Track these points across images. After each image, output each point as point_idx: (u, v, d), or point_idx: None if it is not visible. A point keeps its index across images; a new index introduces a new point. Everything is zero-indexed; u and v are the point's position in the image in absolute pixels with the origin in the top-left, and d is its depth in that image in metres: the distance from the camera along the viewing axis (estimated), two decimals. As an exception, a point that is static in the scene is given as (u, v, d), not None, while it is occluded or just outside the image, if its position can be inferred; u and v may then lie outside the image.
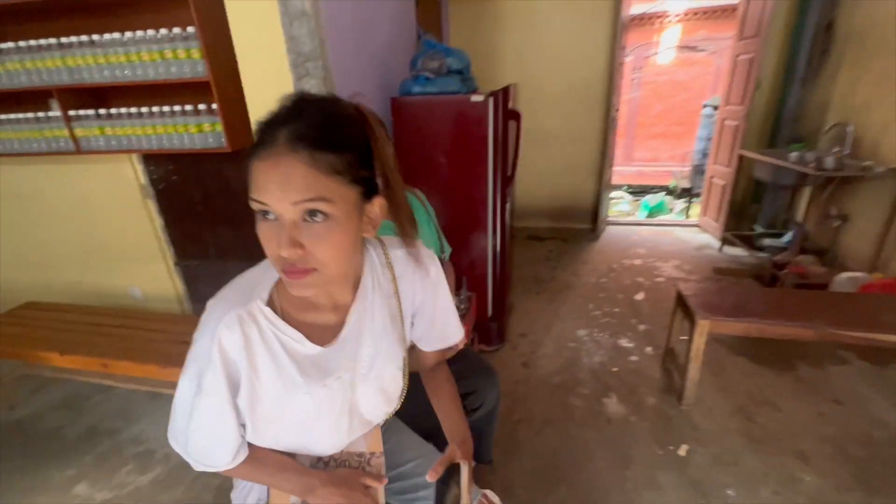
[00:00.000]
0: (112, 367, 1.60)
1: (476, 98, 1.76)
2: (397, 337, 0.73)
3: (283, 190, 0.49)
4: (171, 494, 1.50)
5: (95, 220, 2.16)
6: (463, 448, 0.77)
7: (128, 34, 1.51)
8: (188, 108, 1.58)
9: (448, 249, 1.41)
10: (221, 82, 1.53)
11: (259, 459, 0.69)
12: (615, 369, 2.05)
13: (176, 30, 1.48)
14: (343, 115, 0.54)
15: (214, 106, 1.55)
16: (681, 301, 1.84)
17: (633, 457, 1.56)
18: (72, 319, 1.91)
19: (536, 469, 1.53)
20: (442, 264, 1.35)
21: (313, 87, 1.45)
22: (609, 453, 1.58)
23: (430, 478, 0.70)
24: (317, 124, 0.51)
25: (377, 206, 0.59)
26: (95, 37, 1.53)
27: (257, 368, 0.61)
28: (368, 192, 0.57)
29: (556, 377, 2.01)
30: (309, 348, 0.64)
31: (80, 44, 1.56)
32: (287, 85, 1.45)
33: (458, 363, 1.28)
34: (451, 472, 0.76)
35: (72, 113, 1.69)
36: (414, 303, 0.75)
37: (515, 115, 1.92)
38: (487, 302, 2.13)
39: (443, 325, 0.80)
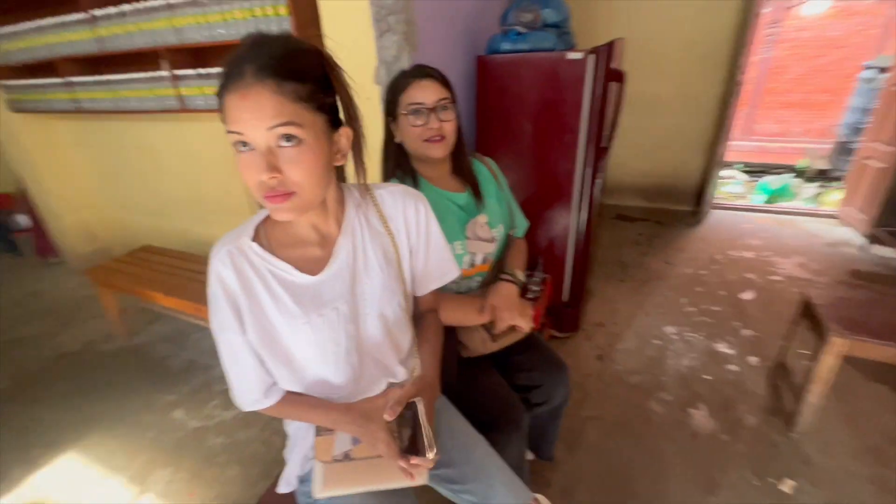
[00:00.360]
0: (202, 312, 1.76)
1: (573, 55, 1.54)
2: (394, 274, 0.76)
3: (256, 118, 0.54)
4: (247, 433, 1.64)
5: (200, 174, 2.36)
6: (420, 384, 0.75)
7: (223, -9, 1.54)
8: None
9: (523, 224, 1.27)
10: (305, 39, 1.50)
11: (295, 401, 0.75)
12: (708, 377, 1.79)
13: (265, -15, 1.46)
14: (301, 49, 0.58)
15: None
16: (808, 310, 1.52)
17: (721, 482, 1.35)
18: (176, 265, 2.13)
19: (602, 473, 1.40)
20: (512, 240, 1.24)
21: (394, 42, 1.36)
22: (691, 472, 1.39)
23: (388, 416, 0.68)
24: (279, 55, 0.55)
25: (343, 135, 0.64)
26: (196, -4, 1.58)
27: (258, 301, 0.67)
28: (335, 123, 0.62)
29: (635, 376, 1.82)
30: (299, 278, 0.68)
31: (185, 3, 1.62)
32: (368, 41, 1.37)
33: (526, 353, 1.18)
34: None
35: (177, 73, 1.80)
36: (409, 241, 0.77)
37: (618, 76, 1.66)
38: (564, 285, 1.97)
39: (438, 262, 0.82)
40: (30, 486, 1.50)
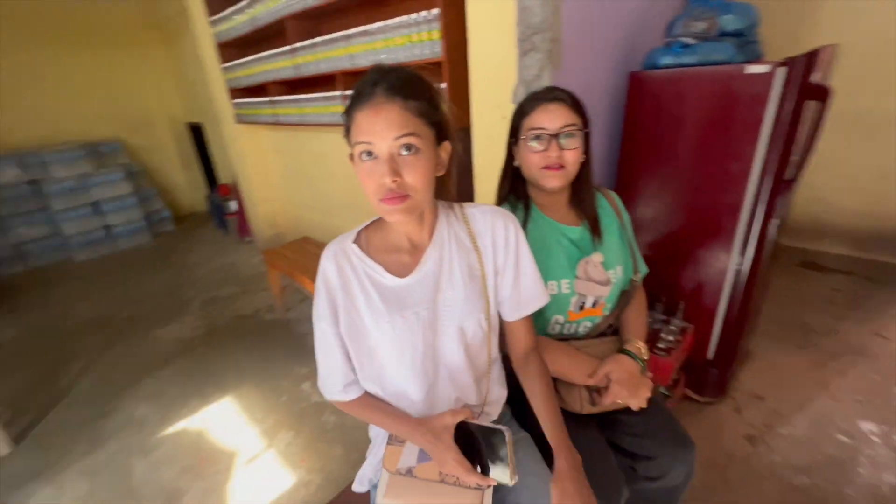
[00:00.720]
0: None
1: (755, 69, 1.27)
2: (477, 290, 0.77)
3: (386, 129, 0.63)
4: (354, 418, 1.78)
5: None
6: (570, 479, 0.72)
7: (390, 21, 1.71)
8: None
9: (643, 271, 1.09)
10: (452, 61, 1.57)
11: (371, 403, 0.80)
12: (926, 509, 1.28)
13: (423, 13, 1.58)
14: (416, 74, 0.68)
15: (444, 86, 1.62)
16: None
17: None
18: (325, 256, 2.46)
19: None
20: (633, 291, 1.06)
21: (536, 61, 1.32)
22: None
23: (455, 417, 0.73)
24: (403, 79, 0.66)
25: (444, 149, 0.72)
26: (368, 27, 1.80)
27: (352, 298, 0.75)
28: (439, 136, 0.70)
29: (801, 477, 1.40)
30: (389, 280, 0.75)
31: (357, 34, 1.86)
32: (510, 61, 1.36)
33: (639, 414, 1.00)
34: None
35: (347, 93, 2.08)
36: (496, 261, 0.79)
37: (820, 93, 1.31)
38: (710, 340, 1.64)
39: (526, 286, 0.80)
40: (200, 416, 1.90)
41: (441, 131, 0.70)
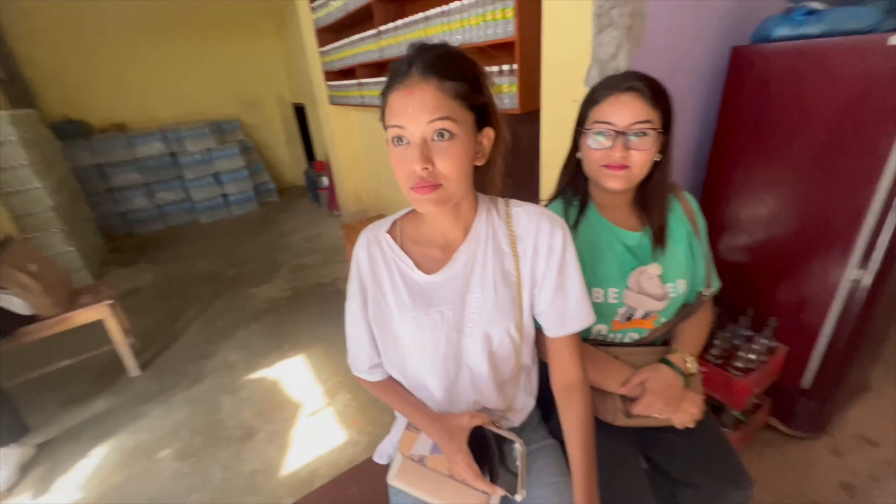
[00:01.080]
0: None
1: (903, 39, 1.01)
2: (510, 297, 0.71)
3: (419, 111, 0.58)
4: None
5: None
6: None
7: (466, 1, 1.68)
8: (493, 69, 1.65)
9: (714, 286, 0.95)
10: (524, 41, 1.50)
11: (393, 388, 0.80)
12: None
13: (499, -11, 1.52)
14: (458, 53, 0.63)
15: (515, 66, 1.55)
16: None
17: None
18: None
19: None
20: (698, 304, 0.94)
21: (613, 39, 1.20)
22: None
23: (471, 421, 0.73)
24: (440, 57, 0.60)
25: (485, 136, 0.66)
26: (445, 7, 1.79)
27: (381, 285, 0.74)
28: (480, 123, 0.65)
29: (910, 545, 1.15)
30: (417, 275, 0.72)
31: (436, 15, 1.86)
32: (585, 39, 1.26)
33: (689, 437, 0.89)
34: None
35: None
36: (535, 269, 0.71)
37: None
38: (807, 364, 1.40)
39: (568, 303, 0.72)
40: (276, 369, 2.15)
41: (483, 116, 0.65)
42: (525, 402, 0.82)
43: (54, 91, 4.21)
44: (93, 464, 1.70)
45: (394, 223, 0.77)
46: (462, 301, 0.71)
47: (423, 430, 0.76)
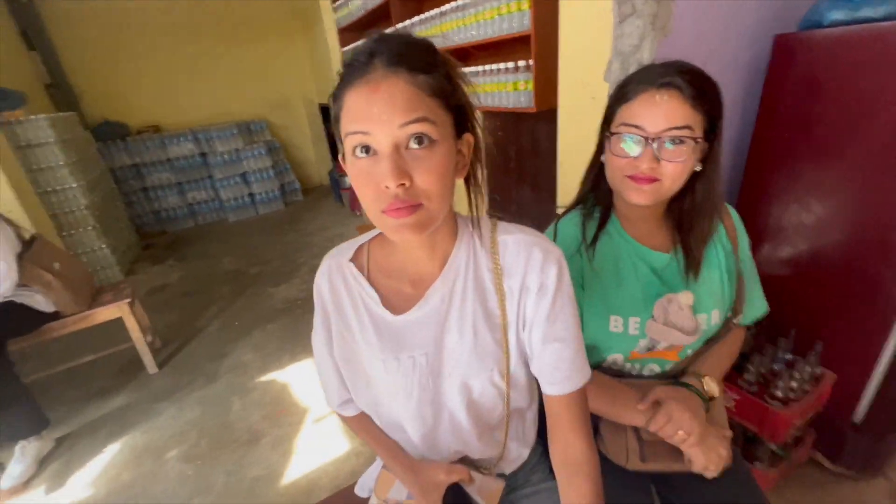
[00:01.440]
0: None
1: None
2: (493, 341, 0.60)
3: (388, 112, 0.46)
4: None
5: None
6: None
7: (481, -7, 1.59)
8: (508, 65, 1.55)
9: (761, 309, 0.82)
10: (541, 35, 1.40)
11: (367, 427, 0.71)
12: None
13: (514, -20, 1.42)
14: (424, 41, 0.52)
15: (531, 62, 1.45)
16: None
17: None
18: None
19: None
20: (729, 328, 0.81)
21: (636, 28, 1.08)
22: None
23: (449, 477, 0.65)
24: (409, 45, 0.49)
25: (466, 143, 0.55)
26: (461, 1, 1.70)
27: (346, 320, 0.64)
28: (459, 126, 0.53)
29: None
30: (383, 312, 0.61)
31: (452, 10, 1.78)
32: (605, 30, 1.15)
33: (717, 484, 0.76)
34: None
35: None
36: (523, 309, 0.59)
37: None
38: (861, 396, 1.23)
39: (559, 357, 0.58)
40: (286, 372, 2.13)
41: (461, 119, 0.54)
42: (518, 453, 0.71)
43: (95, 94, 4.41)
44: (105, 460, 1.73)
45: (359, 249, 0.65)
46: (437, 344, 0.60)
47: (398, 477, 0.69)
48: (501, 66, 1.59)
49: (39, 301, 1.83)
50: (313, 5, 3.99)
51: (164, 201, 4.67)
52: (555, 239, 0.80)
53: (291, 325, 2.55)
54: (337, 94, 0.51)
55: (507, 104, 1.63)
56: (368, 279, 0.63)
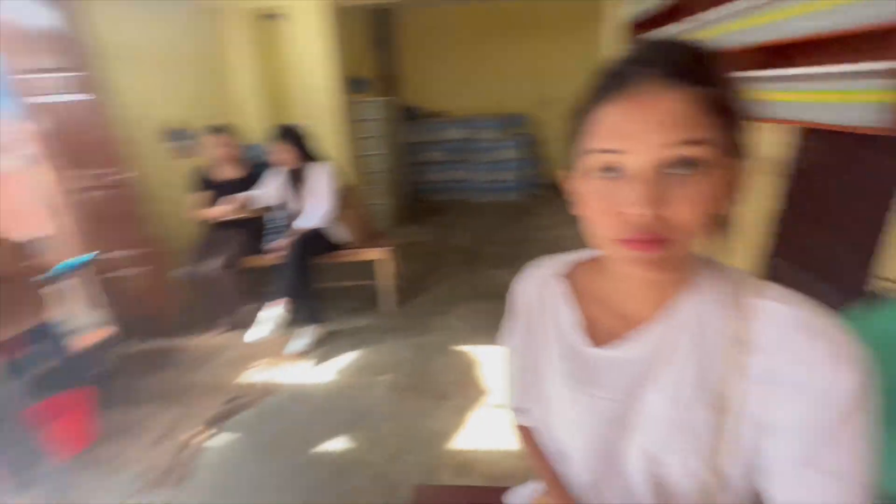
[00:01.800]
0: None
1: None
2: (708, 423, 0.45)
3: (652, 130, 0.40)
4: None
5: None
6: None
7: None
8: (847, 68, 1.11)
9: None
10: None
11: (533, 445, 0.67)
12: None
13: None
14: (705, 47, 0.43)
15: (883, 66, 1.00)
16: None
17: None
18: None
19: None
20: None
21: None
22: None
23: None
24: (695, 55, 0.42)
25: (739, 170, 0.44)
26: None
27: (538, 334, 0.61)
28: (732, 152, 0.43)
29: None
30: (580, 337, 0.55)
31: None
32: None
33: None
34: None
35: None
36: (767, 406, 0.43)
37: None
38: None
39: (823, 494, 0.40)
40: (483, 350, 2.29)
41: (736, 145, 0.44)
42: None
43: (409, 83, 5.67)
44: (346, 361, 2.30)
45: (567, 265, 0.62)
46: (630, 394, 0.50)
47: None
48: (848, 68, 1.15)
49: (340, 232, 2.53)
50: (593, 4, 3.92)
51: (434, 175, 5.65)
52: (861, 330, 0.54)
53: (490, 310, 2.68)
54: (584, 108, 0.46)
55: (841, 120, 1.19)
56: (574, 300, 0.58)
